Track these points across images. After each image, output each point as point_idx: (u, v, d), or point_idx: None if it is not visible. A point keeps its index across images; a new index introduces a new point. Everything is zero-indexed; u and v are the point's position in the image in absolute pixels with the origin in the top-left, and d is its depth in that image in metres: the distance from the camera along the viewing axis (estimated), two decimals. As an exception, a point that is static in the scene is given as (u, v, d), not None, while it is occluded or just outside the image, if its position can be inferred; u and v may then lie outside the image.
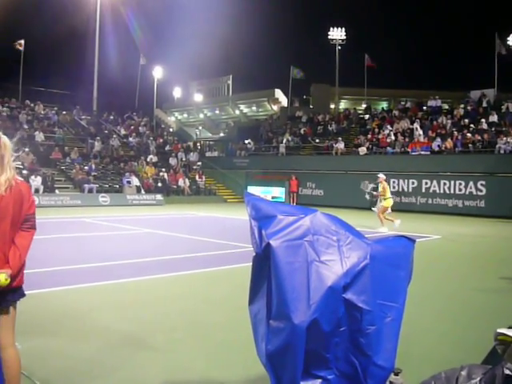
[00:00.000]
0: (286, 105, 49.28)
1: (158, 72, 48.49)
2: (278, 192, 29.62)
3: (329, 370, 2.91)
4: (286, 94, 50.94)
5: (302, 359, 2.77)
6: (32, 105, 34.11)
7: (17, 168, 3.19)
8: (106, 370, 4.23)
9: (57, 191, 25.09)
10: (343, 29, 49.34)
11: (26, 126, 30.29)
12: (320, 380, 2.89)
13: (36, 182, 24.14)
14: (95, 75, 38.15)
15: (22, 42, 36.37)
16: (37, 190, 23.85)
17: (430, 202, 24.33)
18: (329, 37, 49.22)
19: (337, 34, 49.26)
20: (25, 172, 24.42)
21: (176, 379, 4.07)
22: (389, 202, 16.26)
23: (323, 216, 3.09)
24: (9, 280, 2.97)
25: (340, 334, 2.88)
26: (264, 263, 2.88)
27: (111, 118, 37.51)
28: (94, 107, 38.25)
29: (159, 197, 27.20)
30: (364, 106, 41.17)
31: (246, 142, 36.88)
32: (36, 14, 36.04)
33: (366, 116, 35.49)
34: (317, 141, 33.20)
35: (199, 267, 8.96)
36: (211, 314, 6.05)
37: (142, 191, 27.52)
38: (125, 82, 44.59)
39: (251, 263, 3.04)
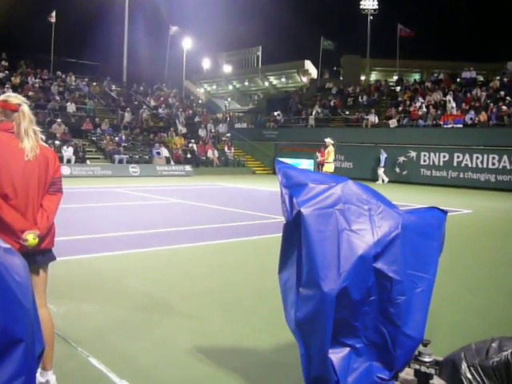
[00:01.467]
0: (315, 76, 48.68)
1: (187, 43, 48.27)
2: (307, 164, 29.45)
3: (357, 338, 2.91)
4: (316, 65, 50.28)
5: (330, 327, 2.78)
6: (63, 76, 34.39)
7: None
8: (136, 333, 4.34)
9: (88, 162, 25.44)
10: (375, -2, 48.20)
11: (57, 98, 30.61)
12: (348, 348, 2.90)
13: (68, 152, 24.50)
14: (125, 46, 38.19)
15: (54, 14, 36.51)
16: (69, 161, 24.24)
17: (461, 176, 23.93)
18: (360, 7, 48.17)
19: (369, 3, 48.13)
20: (57, 142, 24.80)
21: (204, 345, 4.14)
22: (330, 167, 16.23)
23: (354, 185, 3.06)
24: (37, 240, 3.05)
25: (369, 303, 2.88)
26: (294, 231, 2.88)
27: (141, 89, 37.64)
28: (124, 78, 38.38)
29: (188, 168, 27.35)
30: (395, 77, 40.39)
31: (275, 113, 36.66)
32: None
33: (398, 88, 34.83)
34: (347, 113, 32.81)
35: (227, 237, 9.04)
36: (240, 283, 6.11)
37: (172, 162, 27.70)
38: (154, 54, 44.51)
39: (281, 231, 3.04)
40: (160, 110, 34.43)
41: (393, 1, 47.01)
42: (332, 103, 34.44)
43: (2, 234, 2.86)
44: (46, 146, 3.34)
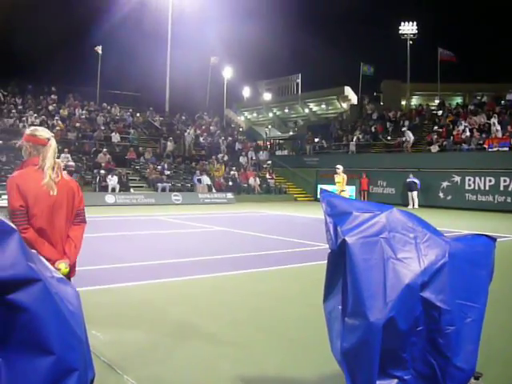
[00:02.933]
0: (355, 102, 48.63)
1: (227, 72, 49.11)
2: (349, 190, 29.27)
3: (406, 370, 2.85)
4: (355, 91, 50.28)
5: (377, 358, 2.73)
6: (109, 107, 35.43)
7: (67, 167, 3.42)
8: (181, 362, 4.34)
9: (132, 190, 25.93)
10: (415, 23, 48.06)
11: (102, 128, 31.49)
12: (396, 380, 2.84)
13: (112, 181, 25.05)
14: (167, 77, 39.11)
15: (100, 47, 37.82)
16: (113, 189, 24.77)
17: (508, 200, 23.28)
18: (400, 31, 48.10)
19: (408, 28, 48.04)
20: (102, 171, 25.41)
21: (248, 374, 4.11)
22: (345, 195, 15.68)
23: (399, 213, 3.04)
24: (68, 269, 3.21)
25: (417, 334, 2.82)
26: (339, 260, 2.86)
27: (183, 118, 38.35)
28: (166, 108, 39.23)
29: (230, 195, 27.54)
30: (437, 101, 39.94)
31: (316, 140, 36.69)
32: (110, 19, 37.33)
33: (440, 112, 34.41)
34: (388, 138, 32.57)
35: (271, 265, 9.00)
36: (283, 311, 6.07)
37: (213, 190, 27.96)
38: (196, 83, 45.45)
39: (326, 260, 3.02)
40: (201, 139, 34.95)
41: (432, 25, 46.79)
42: (373, 129, 34.26)
43: None
44: (69, 177, 3.48)
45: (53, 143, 3.30)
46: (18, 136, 27.53)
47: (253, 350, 4.68)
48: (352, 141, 32.96)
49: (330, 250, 2.94)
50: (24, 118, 29.14)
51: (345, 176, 16.02)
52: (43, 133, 3.31)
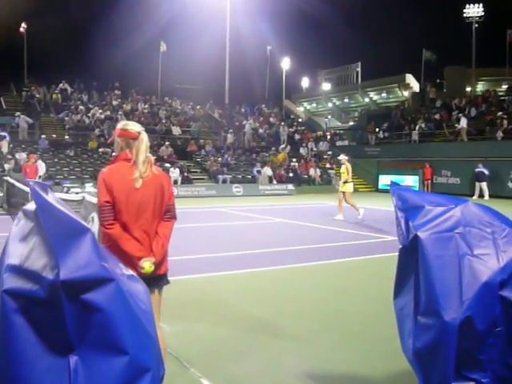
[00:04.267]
0: (417, 90, 47.28)
1: (286, 63, 48.87)
2: (411, 181, 28.57)
3: (483, 372, 2.70)
4: (417, 78, 48.89)
5: (453, 359, 2.60)
6: (170, 101, 36.02)
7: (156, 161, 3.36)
8: (246, 355, 4.33)
9: (193, 182, 26.29)
10: (481, 5, 46.05)
11: (164, 121, 32.04)
12: (473, 383, 2.69)
13: (174, 173, 25.45)
14: (226, 70, 39.31)
15: (162, 43, 38.43)
16: (175, 182, 25.16)
17: None
18: (464, 15, 46.29)
19: (473, 10, 46.08)
20: (166, 165, 25.87)
21: (313, 370, 4.05)
22: (349, 188, 14.74)
23: (475, 206, 2.88)
24: (153, 267, 3.11)
25: (496, 335, 2.67)
26: (411, 256, 2.75)
27: (242, 110, 38.50)
28: (226, 100, 39.48)
29: (290, 187, 27.45)
30: (505, 86, 38.24)
31: (377, 130, 35.98)
32: (171, 14, 37.85)
33: (508, 97, 32.91)
34: (456, 126, 31.49)
35: (332, 257, 8.89)
36: (347, 305, 5.96)
37: (274, 181, 27.95)
38: (255, 75, 45.53)
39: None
40: (261, 130, 34.98)
41: (500, 6, 44.60)
42: (437, 117, 33.23)
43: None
44: (161, 171, 3.39)
45: (144, 137, 3.25)
46: (86, 131, 28.49)
47: (318, 345, 4.61)
48: (415, 130, 32.09)
49: (400, 246, 2.82)
50: (90, 114, 30.05)
51: (349, 166, 15.19)
52: (134, 127, 3.27)
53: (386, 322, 5.12)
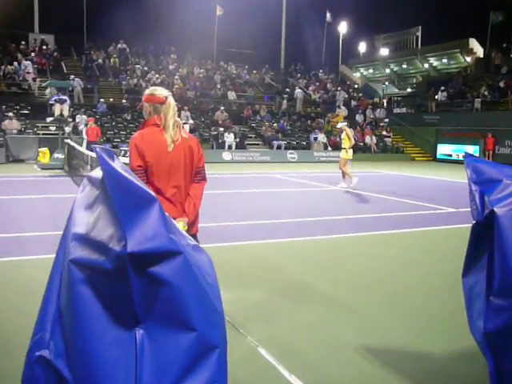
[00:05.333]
0: (481, 55, 45.19)
1: (343, 28, 47.59)
2: (472, 151, 27.58)
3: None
4: (481, 43, 46.66)
5: (529, 344, 2.46)
6: (225, 65, 35.86)
7: (184, 124, 3.35)
8: (303, 326, 4.29)
9: (248, 147, 26.27)
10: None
11: (219, 86, 31.96)
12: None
13: (229, 138, 25.49)
14: (283, 34, 38.68)
15: (219, 7, 38.02)
16: (230, 147, 25.23)
17: None
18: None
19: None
20: (221, 129, 25.89)
21: (372, 343, 3.97)
22: (349, 155, 14.37)
23: (559, 181, 2.67)
24: (186, 227, 3.20)
25: None
26: (485, 232, 2.59)
27: (298, 75, 37.93)
28: (281, 65, 38.95)
29: (345, 154, 27.03)
30: None
31: (437, 97, 34.76)
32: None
33: None
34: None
35: (391, 228, 8.70)
36: (405, 278, 5.82)
37: (329, 148, 27.59)
38: (311, 40, 44.55)
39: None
40: (317, 96, 34.42)
41: None
42: (501, 84, 31.74)
43: None
44: (190, 135, 3.44)
45: (171, 101, 3.28)
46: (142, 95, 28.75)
47: (376, 318, 4.51)
48: (477, 97, 30.81)
49: (474, 221, 2.66)
50: (147, 78, 30.30)
51: (350, 132, 14.76)
52: (162, 91, 3.31)
53: (448, 297, 4.99)
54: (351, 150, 14.51)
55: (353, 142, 14.62)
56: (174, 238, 1.98)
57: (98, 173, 2.15)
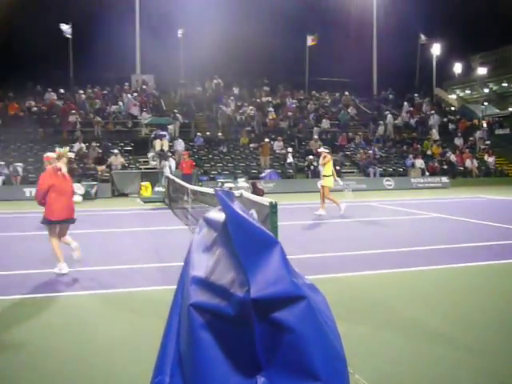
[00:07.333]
0: None
1: (436, 49, 46.37)
2: None
3: None
4: None
5: None
6: (317, 94, 35.99)
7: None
8: (412, 365, 4.07)
9: (343, 176, 26.02)
10: None
11: (312, 115, 32.05)
12: None
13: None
14: (374, 60, 38.38)
15: (311, 37, 38.41)
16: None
17: None
18: None
19: None
20: (310, 157, 25.78)
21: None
22: (329, 182, 13.59)
23: None
24: None
25: None
26: None
27: (391, 99, 37.26)
28: (373, 91, 38.52)
29: (445, 179, 26.08)
30: None
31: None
32: (317, 8, 37.78)
33: None
34: None
35: (499, 258, 8.17)
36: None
37: (427, 173, 26.75)
38: (403, 64, 43.74)
39: None
40: (412, 121, 33.62)
41: None
42: None
43: None
44: None
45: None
46: (237, 127, 29.47)
47: (493, 358, 4.21)
48: None
49: None
50: (241, 111, 30.99)
51: (330, 158, 14.10)
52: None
53: None
54: (331, 177, 13.97)
55: (331, 169, 14.08)
56: (297, 283, 1.93)
57: (215, 214, 2.16)
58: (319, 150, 15.25)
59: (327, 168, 13.95)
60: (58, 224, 7.22)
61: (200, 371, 1.94)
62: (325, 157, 14.09)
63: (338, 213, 13.72)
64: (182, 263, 2.19)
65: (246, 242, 1.93)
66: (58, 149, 7.53)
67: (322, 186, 13.97)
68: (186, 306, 2.03)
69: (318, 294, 2.11)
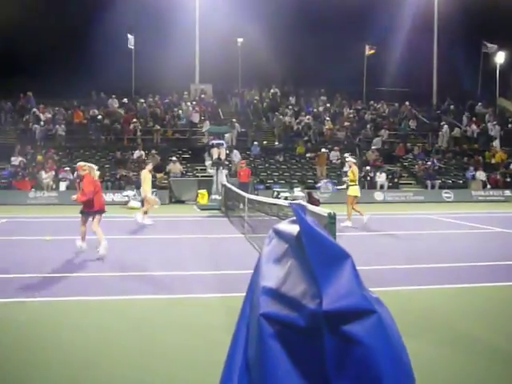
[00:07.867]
0: None
1: (500, 57, 44.95)
2: None
3: None
4: None
5: None
6: (375, 104, 35.57)
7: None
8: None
9: (400, 187, 25.61)
10: None
11: (370, 125, 31.68)
12: None
13: (381, 178, 25.06)
14: (434, 70, 37.65)
15: (369, 47, 38.17)
16: (382, 186, 24.77)
17: None
18: None
19: None
20: (367, 168, 25.51)
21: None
22: (356, 191, 13.54)
23: None
24: None
25: None
26: None
27: (451, 109, 36.33)
28: (433, 101, 37.74)
29: (508, 192, 25.18)
30: None
31: None
32: (376, 17, 37.36)
33: None
34: None
35: None
36: None
37: (488, 186, 25.92)
38: (465, 73, 42.61)
39: None
40: (473, 131, 32.66)
41: None
42: None
43: None
44: None
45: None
46: (294, 136, 29.51)
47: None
48: None
49: None
50: (298, 120, 31.04)
51: (356, 169, 14.18)
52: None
53: None
54: (357, 186, 14.02)
55: (357, 179, 14.23)
56: (368, 296, 1.94)
57: (286, 226, 2.19)
58: (347, 160, 15.41)
59: (356, 177, 14.21)
60: (99, 214, 9.38)
61: (267, 381, 1.97)
62: (350, 166, 14.43)
63: (362, 223, 13.65)
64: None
65: (319, 254, 1.95)
66: (83, 163, 10.00)
67: (348, 196, 14.04)
68: (255, 316, 2.06)
69: (383, 307, 2.11)
